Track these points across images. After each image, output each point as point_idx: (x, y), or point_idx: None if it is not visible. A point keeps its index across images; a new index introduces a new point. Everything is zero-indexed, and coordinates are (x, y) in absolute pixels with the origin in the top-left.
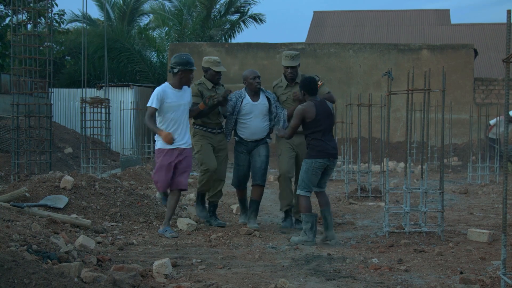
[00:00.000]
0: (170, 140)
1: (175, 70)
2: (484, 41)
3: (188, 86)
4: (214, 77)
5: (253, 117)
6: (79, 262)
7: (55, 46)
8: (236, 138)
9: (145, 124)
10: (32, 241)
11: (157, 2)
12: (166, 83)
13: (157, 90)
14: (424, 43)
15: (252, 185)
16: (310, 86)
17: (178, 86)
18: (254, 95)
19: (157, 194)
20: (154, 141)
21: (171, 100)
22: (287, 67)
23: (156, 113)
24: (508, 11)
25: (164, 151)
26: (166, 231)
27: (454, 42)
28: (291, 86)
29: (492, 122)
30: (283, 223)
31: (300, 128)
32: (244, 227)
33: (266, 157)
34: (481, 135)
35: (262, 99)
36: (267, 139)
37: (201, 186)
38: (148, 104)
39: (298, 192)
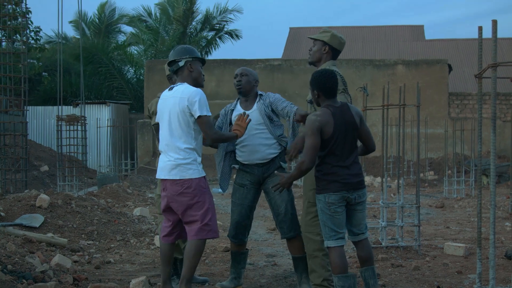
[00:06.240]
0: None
1: (181, 63)
2: (458, 56)
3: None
4: None
5: (248, 131)
6: (55, 281)
7: (34, 61)
8: (237, 167)
9: (217, 140)
10: (7, 261)
11: (134, 16)
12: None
13: (203, 94)
14: (399, 58)
15: (284, 239)
16: (327, 84)
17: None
18: (246, 101)
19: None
20: (132, 158)
21: None
22: None
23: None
24: (480, 28)
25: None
26: None
27: (429, 57)
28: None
29: None
30: None
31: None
32: None
33: (289, 191)
34: (456, 149)
35: (256, 105)
36: (281, 163)
37: None
38: (204, 113)
39: (325, 244)
